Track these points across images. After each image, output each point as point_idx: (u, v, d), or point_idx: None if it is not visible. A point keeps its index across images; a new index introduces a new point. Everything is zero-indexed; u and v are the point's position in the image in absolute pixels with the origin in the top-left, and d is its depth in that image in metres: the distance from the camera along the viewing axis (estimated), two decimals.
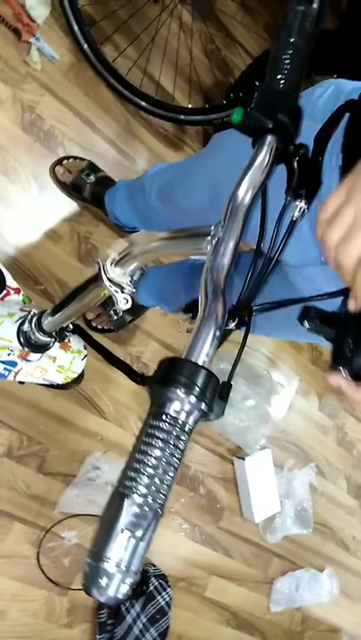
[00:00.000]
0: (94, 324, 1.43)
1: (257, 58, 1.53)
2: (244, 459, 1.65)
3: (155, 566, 1.51)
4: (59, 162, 1.39)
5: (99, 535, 0.34)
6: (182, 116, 1.50)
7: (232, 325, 0.48)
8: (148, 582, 1.47)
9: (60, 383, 1.02)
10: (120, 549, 0.33)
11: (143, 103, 1.47)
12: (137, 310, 1.45)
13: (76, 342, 1.00)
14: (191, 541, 1.62)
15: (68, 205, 1.42)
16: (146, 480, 0.34)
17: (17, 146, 1.35)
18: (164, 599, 1.48)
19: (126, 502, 0.33)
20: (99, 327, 1.44)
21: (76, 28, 1.37)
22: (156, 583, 1.49)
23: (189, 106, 1.56)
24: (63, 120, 1.42)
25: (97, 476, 1.40)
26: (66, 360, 1.00)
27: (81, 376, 1.04)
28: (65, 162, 1.39)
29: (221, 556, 1.68)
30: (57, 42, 1.42)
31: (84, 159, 1.42)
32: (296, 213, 0.49)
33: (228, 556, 1.70)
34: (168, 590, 1.50)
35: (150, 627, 1.44)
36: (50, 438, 1.36)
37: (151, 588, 1.48)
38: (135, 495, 0.34)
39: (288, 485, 1.80)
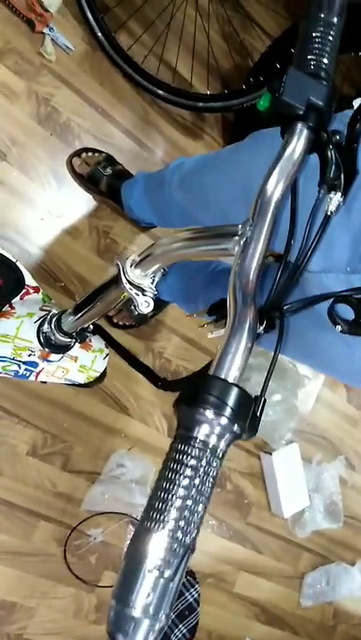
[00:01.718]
0: (115, 320, 1.41)
1: (277, 39, 1.46)
2: (271, 453, 1.62)
3: None
4: (76, 153, 1.36)
5: (124, 575, 0.30)
6: (201, 104, 1.45)
7: (260, 329, 0.44)
8: None
9: (83, 383, 1.00)
10: (148, 592, 0.30)
11: (160, 91, 1.43)
12: (158, 305, 1.42)
13: (97, 341, 0.98)
14: (219, 537, 1.60)
15: (87, 200, 1.39)
16: (175, 513, 0.31)
17: (34, 140, 1.32)
18: (193, 596, 1.47)
19: (154, 538, 0.30)
20: (120, 323, 1.41)
21: (89, 15, 1.33)
22: (185, 580, 1.47)
23: (208, 92, 1.51)
24: (79, 112, 1.39)
25: (122, 474, 1.39)
26: (87, 359, 0.98)
27: (103, 375, 1.02)
28: (83, 154, 1.36)
29: (250, 551, 1.66)
30: (71, 31, 1.38)
31: (102, 152, 1.38)
32: (332, 207, 0.45)
33: (256, 551, 1.67)
34: (197, 587, 1.49)
35: (179, 623, 1.43)
36: (74, 436, 1.35)
37: None
38: (163, 530, 0.31)
39: (317, 479, 1.76)
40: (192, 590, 1.48)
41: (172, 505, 0.31)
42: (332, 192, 0.45)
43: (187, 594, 1.47)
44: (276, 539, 1.72)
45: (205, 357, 1.58)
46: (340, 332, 0.45)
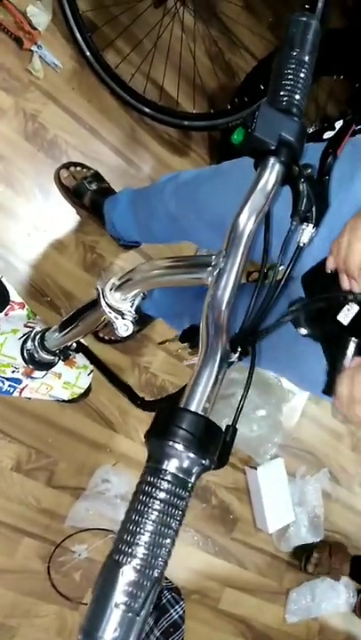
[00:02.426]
0: (101, 335, 1.41)
1: (262, 60, 1.49)
2: (256, 468, 1.62)
3: (167, 579, 1.49)
4: (65, 166, 1.37)
5: (91, 609, 0.31)
6: (186, 122, 1.48)
7: (234, 357, 0.45)
8: (160, 596, 1.44)
9: (67, 399, 1.00)
10: (114, 627, 0.30)
11: (147, 109, 1.45)
12: (144, 320, 1.43)
13: (81, 358, 0.98)
14: (204, 553, 1.59)
15: (73, 215, 1.40)
16: (143, 547, 0.31)
17: (20, 156, 1.33)
18: (178, 612, 1.46)
19: (121, 572, 0.31)
20: (105, 337, 1.42)
21: (77, 34, 1.35)
22: (169, 596, 1.46)
23: (194, 111, 1.53)
24: (67, 128, 1.40)
25: (106, 489, 1.39)
26: (71, 376, 0.98)
27: (88, 391, 1.02)
28: (71, 168, 1.37)
29: (235, 566, 1.66)
30: (59, 49, 1.40)
31: (90, 168, 1.40)
32: (304, 239, 0.46)
33: (241, 566, 1.67)
34: (181, 603, 1.48)
35: None
36: (58, 451, 1.35)
37: (164, 601, 1.45)
38: (131, 564, 0.31)
39: (301, 493, 1.76)
40: (177, 607, 1.47)
41: (140, 539, 0.32)
42: (305, 224, 0.46)
43: (171, 610, 1.46)
44: (262, 554, 1.72)
45: (191, 372, 1.58)
46: (303, 335, 0.47)
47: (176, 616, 1.46)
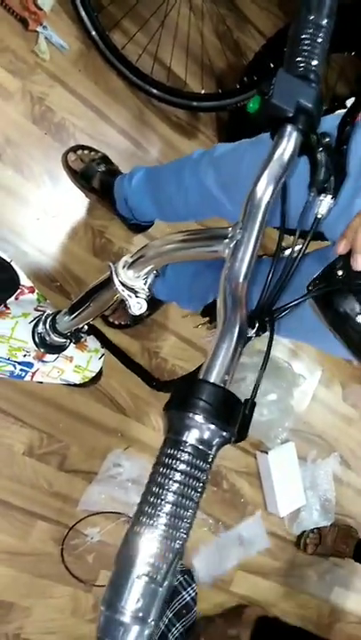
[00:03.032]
0: (111, 320, 1.41)
1: (271, 38, 1.46)
2: (267, 452, 1.62)
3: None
4: (72, 149, 1.36)
5: (113, 581, 0.31)
6: (195, 103, 1.45)
7: (252, 333, 0.44)
8: None
9: (78, 383, 1.00)
10: (137, 598, 0.30)
11: (155, 90, 1.42)
12: (154, 304, 1.42)
13: (92, 341, 0.98)
14: (216, 536, 1.60)
15: (82, 200, 1.39)
16: (164, 518, 0.31)
17: (28, 140, 1.32)
18: (190, 594, 1.47)
19: (142, 543, 0.30)
20: (115, 322, 1.41)
21: (83, 14, 1.32)
22: (182, 579, 1.48)
23: (202, 91, 1.50)
24: (74, 111, 1.39)
25: (118, 473, 1.39)
26: (83, 360, 0.98)
27: (99, 374, 1.02)
28: (79, 151, 1.36)
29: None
30: (65, 30, 1.38)
31: (98, 151, 1.38)
32: (322, 210, 0.45)
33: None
34: (193, 585, 1.49)
35: (176, 622, 1.43)
36: (70, 436, 1.35)
37: (176, 583, 1.46)
38: (153, 535, 0.31)
39: (312, 477, 1.76)
40: (189, 589, 1.48)
41: (161, 510, 0.31)
42: (323, 194, 0.45)
43: (184, 593, 1.47)
44: (273, 537, 1.72)
45: (201, 357, 1.58)
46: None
47: (188, 598, 1.47)
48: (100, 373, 1.01)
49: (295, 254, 0.46)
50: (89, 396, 1.39)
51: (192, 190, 1.02)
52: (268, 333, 0.46)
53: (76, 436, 1.36)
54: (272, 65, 1.31)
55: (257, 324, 0.44)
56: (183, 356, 1.55)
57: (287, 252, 0.53)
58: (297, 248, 0.46)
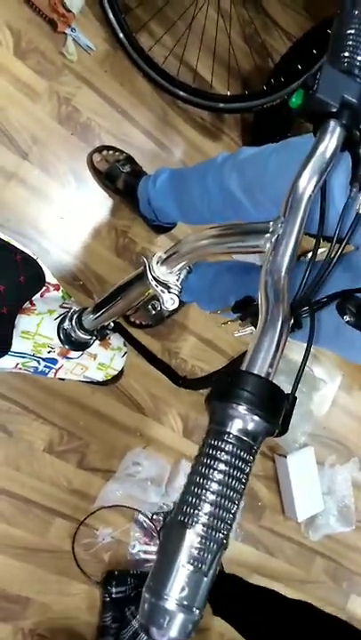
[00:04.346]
0: (132, 320, 1.41)
1: (298, 40, 1.46)
2: (285, 456, 1.61)
3: None
4: (97, 150, 1.37)
5: (158, 568, 0.30)
6: (221, 105, 1.45)
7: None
8: None
9: (100, 380, 1.00)
10: (182, 586, 0.29)
11: (180, 92, 1.43)
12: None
13: (116, 339, 0.98)
14: (232, 540, 1.59)
15: (106, 200, 1.40)
16: (208, 508, 0.31)
17: (54, 140, 1.33)
18: None
19: (187, 534, 0.30)
20: (136, 322, 1.42)
21: (111, 16, 1.34)
22: None
23: (228, 93, 1.51)
24: (100, 112, 1.40)
25: (137, 472, 1.39)
26: (106, 357, 0.98)
27: (121, 373, 1.02)
28: (104, 152, 1.37)
29: (263, 554, 1.65)
30: (92, 31, 1.39)
31: (123, 152, 1.39)
32: None
33: (270, 554, 1.66)
34: None
35: None
36: (89, 434, 1.36)
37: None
38: (197, 525, 0.30)
39: (330, 482, 1.75)
40: None
41: (205, 500, 0.31)
42: None
43: None
44: (290, 542, 1.71)
45: (222, 358, 1.58)
46: (346, 322, 0.46)
47: None
48: (121, 372, 1.02)
49: (334, 252, 0.46)
50: (109, 394, 1.39)
51: (215, 194, 1.02)
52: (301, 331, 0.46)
53: (95, 435, 1.37)
54: (299, 66, 1.30)
55: (293, 319, 0.44)
56: (203, 357, 1.55)
57: (320, 251, 0.52)
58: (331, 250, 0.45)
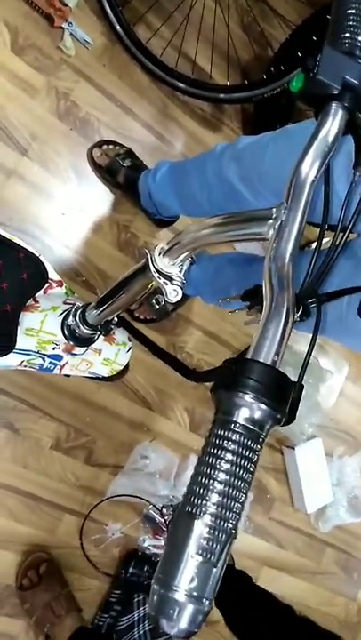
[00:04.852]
0: (136, 314, 1.41)
1: (297, 28, 1.44)
2: (294, 448, 1.61)
3: None
4: (97, 145, 1.36)
5: (167, 560, 0.30)
6: (221, 95, 1.44)
7: (296, 317, 0.43)
8: None
9: (106, 376, 1.00)
10: (191, 577, 0.29)
11: (180, 84, 1.42)
12: (180, 299, 1.42)
13: (120, 334, 0.98)
14: (242, 532, 1.59)
15: (107, 195, 1.39)
16: (215, 498, 0.30)
17: (54, 135, 1.32)
18: None
19: (196, 524, 0.30)
20: (141, 317, 1.41)
21: (108, 9, 1.33)
22: None
23: (228, 83, 1.49)
24: (99, 106, 1.39)
25: (145, 466, 1.39)
26: (111, 353, 0.98)
27: (126, 368, 1.02)
28: (104, 146, 1.36)
29: (273, 546, 1.65)
30: (89, 25, 1.38)
31: (123, 146, 1.38)
32: None
33: (279, 546, 1.66)
34: None
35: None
36: (96, 430, 1.36)
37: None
38: (205, 515, 0.30)
39: (339, 473, 1.74)
40: None
41: (212, 490, 0.30)
42: None
43: None
44: (299, 534, 1.70)
45: (227, 351, 1.57)
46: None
47: None
48: (127, 367, 1.01)
49: (339, 240, 0.45)
50: (114, 390, 1.39)
51: (215, 185, 1.01)
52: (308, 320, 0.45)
53: (102, 431, 1.37)
54: (299, 54, 1.29)
55: (301, 308, 0.43)
56: (208, 351, 1.54)
57: (325, 241, 0.52)
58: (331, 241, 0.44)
